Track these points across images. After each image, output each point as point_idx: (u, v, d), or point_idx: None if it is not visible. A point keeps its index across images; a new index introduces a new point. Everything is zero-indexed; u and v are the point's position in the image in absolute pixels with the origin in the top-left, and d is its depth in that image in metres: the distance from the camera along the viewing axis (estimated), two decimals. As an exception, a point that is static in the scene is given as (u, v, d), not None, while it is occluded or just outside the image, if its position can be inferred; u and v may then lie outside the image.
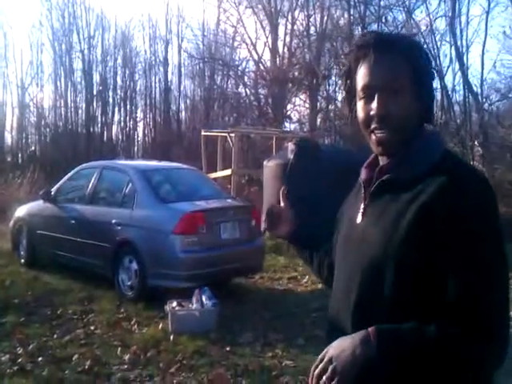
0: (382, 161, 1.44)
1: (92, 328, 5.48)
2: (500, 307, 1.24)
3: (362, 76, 1.39)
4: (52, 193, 7.89)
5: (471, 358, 1.22)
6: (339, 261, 1.53)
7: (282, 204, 1.84)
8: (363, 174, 1.50)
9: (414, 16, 17.37)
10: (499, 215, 1.30)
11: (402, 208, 1.31)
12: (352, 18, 19.65)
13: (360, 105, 1.40)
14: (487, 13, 15.16)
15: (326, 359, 1.25)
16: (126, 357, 4.69)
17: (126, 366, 4.53)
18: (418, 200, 1.28)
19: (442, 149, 1.39)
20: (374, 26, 20.06)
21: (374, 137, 1.39)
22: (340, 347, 1.25)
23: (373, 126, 1.38)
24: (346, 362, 1.22)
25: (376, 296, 1.33)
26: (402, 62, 1.35)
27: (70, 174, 8.06)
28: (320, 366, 1.26)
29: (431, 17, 16.14)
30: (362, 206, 1.45)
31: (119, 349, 4.87)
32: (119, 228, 6.53)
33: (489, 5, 15.49)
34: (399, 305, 1.29)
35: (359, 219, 1.45)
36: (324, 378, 1.23)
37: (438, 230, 1.24)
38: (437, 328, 1.22)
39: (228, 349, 4.89)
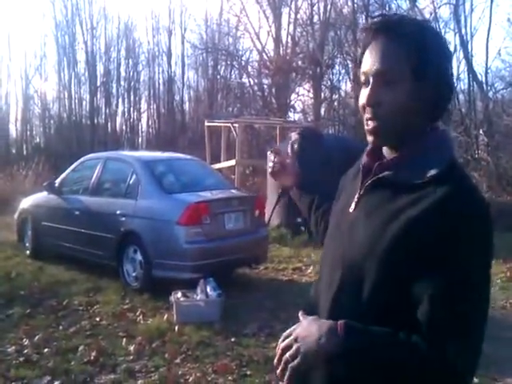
0: (386, 152, 1.38)
1: (97, 319, 5.50)
2: (471, 339, 1.18)
3: (363, 61, 1.33)
4: (56, 184, 7.91)
5: (429, 375, 1.18)
6: (328, 241, 1.49)
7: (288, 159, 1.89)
8: (363, 159, 1.43)
9: (417, 4, 17.21)
10: (492, 246, 1.23)
11: (393, 213, 1.26)
12: (356, 6, 19.53)
13: (361, 91, 1.35)
14: (492, 0, 15.03)
15: (292, 337, 1.26)
16: (132, 348, 4.70)
17: (131, 357, 4.54)
18: (411, 211, 1.22)
19: (448, 156, 1.29)
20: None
21: (365, 126, 1.34)
22: (307, 330, 1.25)
23: (365, 115, 1.32)
24: (309, 347, 1.23)
25: (353, 295, 1.29)
26: (404, 52, 1.26)
27: (73, 166, 8.06)
28: (286, 341, 1.27)
29: (435, 4, 16.02)
30: (357, 195, 1.40)
31: (124, 340, 4.89)
32: (123, 219, 6.53)
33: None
34: (376, 308, 1.26)
35: (352, 208, 1.40)
36: (287, 354, 1.25)
37: (422, 249, 1.19)
38: (405, 338, 1.20)
39: (233, 339, 4.90)
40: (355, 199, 1.39)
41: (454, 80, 1.30)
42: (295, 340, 1.25)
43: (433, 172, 1.25)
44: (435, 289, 1.18)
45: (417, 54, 1.26)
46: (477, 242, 1.20)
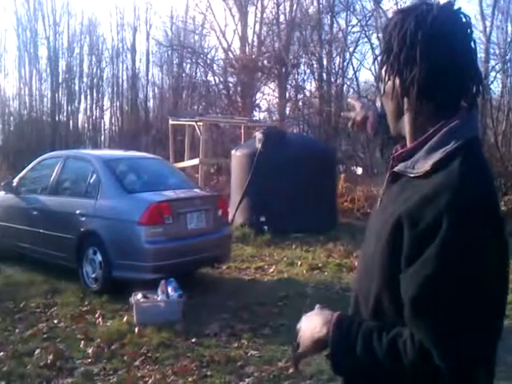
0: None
1: (55, 321, 5.39)
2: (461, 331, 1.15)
3: None
4: (14, 183, 7.72)
5: (415, 373, 1.19)
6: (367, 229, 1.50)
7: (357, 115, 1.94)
8: (394, 150, 1.43)
9: (381, 5, 17.47)
10: (481, 248, 1.16)
11: (397, 206, 1.26)
12: (321, 6, 19.66)
13: None
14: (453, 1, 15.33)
15: (297, 326, 1.40)
16: (90, 350, 4.62)
17: (89, 360, 4.47)
18: (404, 205, 1.23)
19: (450, 148, 1.24)
20: (343, 15, 20.16)
21: None
22: (309, 320, 1.37)
23: None
24: (306, 338, 1.35)
25: (367, 290, 1.33)
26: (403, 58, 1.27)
27: (32, 164, 7.88)
28: (297, 332, 1.40)
29: (399, 6, 16.23)
30: (382, 190, 1.43)
31: (82, 342, 4.80)
32: (83, 219, 6.42)
33: (454, -5, 15.66)
34: (381, 303, 1.28)
35: (378, 203, 1.43)
36: (294, 343, 1.40)
37: (404, 245, 1.19)
38: (393, 334, 1.21)
39: (194, 340, 4.86)
40: (381, 194, 1.43)
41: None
42: (299, 329, 1.39)
43: (427, 165, 1.25)
44: (406, 287, 1.19)
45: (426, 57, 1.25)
46: (452, 244, 1.14)
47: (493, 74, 16.45)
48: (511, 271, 1.26)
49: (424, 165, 1.25)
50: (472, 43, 1.27)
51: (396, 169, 1.34)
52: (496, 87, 17.33)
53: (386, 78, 1.32)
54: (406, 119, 1.33)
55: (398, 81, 1.29)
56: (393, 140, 1.76)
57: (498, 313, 1.21)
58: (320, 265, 7.59)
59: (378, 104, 15.78)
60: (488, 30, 16.08)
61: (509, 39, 17.11)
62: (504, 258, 1.21)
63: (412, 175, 1.28)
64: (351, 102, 2.06)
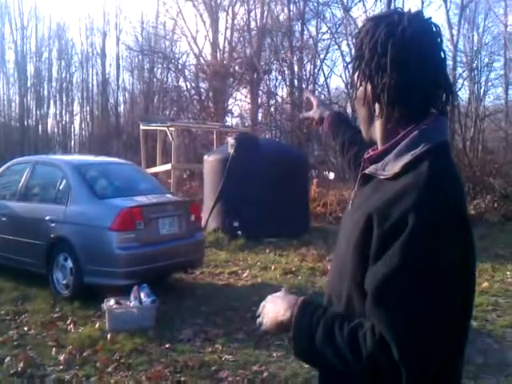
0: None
1: (25, 329, 5.28)
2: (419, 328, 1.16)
3: None
4: (-19, 189, 7.56)
5: (371, 364, 1.19)
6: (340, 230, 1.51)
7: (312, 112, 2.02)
8: (365, 153, 1.45)
9: (351, 13, 17.72)
10: (439, 255, 1.17)
11: (366, 207, 1.28)
12: (292, 13, 19.85)
13: None
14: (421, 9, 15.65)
15: (261, 304, 1.45)
16: (62, 357, 4.55)
17: (61, 367, 4.39)
18: (372, 205, 1.25)
19: (418, 152, 1.26)
20: (313, 22, 20.38)
21: None
22: (274, 302, 1.41)
23: None
24: (270, 319, 1.39)
25: (339, 290, 1.35)
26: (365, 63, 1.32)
27: (0, 170, 7.73)
28: (259, 309, 1.45)
29: (368, 14, 16.50)
30: (353, 192, 1.45)
31: (54, 349, 4.72)
32: (53, 225, 6.32)
33: (422, 3, 16.00)
34: (352, 303, 1.30)
35: (349, 205, 1.45)
36: (257, 320, 1.44)
37: (370, 245, 1.22)
38: (354, 324, 1.23)
39: (167, 346, 4.83)
40: (352, 196, 1.45)
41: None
42: (263, 307, 1.43)
43: (397, 167, 1.27)
44: (370, 280, 1.21)
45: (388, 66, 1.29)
46: (416, 240, 1.16)
47: (460, 81, 16.82)
48: (477, 274, 1.29)
49: (394, 167, 1.28)
50: (442, 52, 1.30)
51: (367, 171, 1.36)
52: (463, 94, 17.72)
53: (358, 84, 1.35)
54: (377, 124, 1.36)
55: (369, 87, 1.32)
56: (354, 143, 1.82)
57: (462, 311, 1.23)
58: (293, 269, 7.63)
59: (349, 110, 15.96)
60: (455, 38, 16.45)
61: (475, 48, 17.54)
62: (468, 259, 1.23)
63: (382, 177, 1.30)
64: (307, 96, 2.12)
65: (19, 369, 4.30)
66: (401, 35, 1.25)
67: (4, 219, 6.94)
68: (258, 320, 1.44)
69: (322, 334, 1.25)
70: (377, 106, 1.33)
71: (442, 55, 1.31)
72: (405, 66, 1.25)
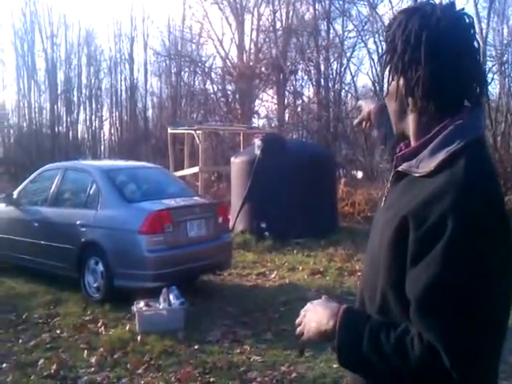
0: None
1: (58, 332, 5.40)
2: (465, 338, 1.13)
3: None
4: (14, 195, 7.75)
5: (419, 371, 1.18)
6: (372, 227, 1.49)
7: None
8: (398, 149, 1.44)
9: (377, 10, 17.54)
10: (486, 249, 1.15)
11: (402, 205, 1.26)
12: (317, 12, 19.76)
13: None
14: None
15: (302, 313, 1.42)
16: (93, 359, 4.63)
17: (92, 369, 4.48)
18: (408, 205, 1.22)
19: (453, 148, 1.23)
20: (339, 21, 20.26)
21: None
22: (315, 311, 1.38)
23: None
24: (312, 328, 1.37)
25: (373, 287, 1.33)
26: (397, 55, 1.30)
27: (32, 176, 7.91)
28: (299, 317, 1.43)
29: (394, 11, 16.30)
30: (386, 189, 1.43)
31: (86, 351, 4.81)
32: (84, 229, 6.44)
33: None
34: (387, 301, 1.29)
35: (382, 202, 1.43)
36: (297, 330, 1.42)
37: (408, 244, 1.20)
38: (400, 330, 1.21)
39: (196, 347, 4.88)
40: (385, 193, 1.43)
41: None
42: (304, 317, 1.41)
43: (432, 164, 1.24)
44: (412, 286, 1.18)
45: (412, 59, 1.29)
46: (458, 243, 1.14)
47: (490, 75, 16.50)
48: None
49: (429, 164, 1.25)
50: (475, 43, 1.28)
51: (400, 168, 1.34)
52: (494, 89, 17.37)
53: (390, 79, 1.33)
54: (411, 119, 1.34)
55: (402, 81, 1.30)
56: (396, 136, 1.80)
57: (506, 311, 1.21)
58: (321, 269, 7.60)
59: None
60: (484, 31, 16.13)
61: (505, 41, 17.18)
62: (510, 256, 1.19)
63: (417, 175, 1.28)
64: (360, 103, 2.10)
65: (52, 371, 4.40)
66: (435, 27, 1.24)
67: (36, 225, 7.10)
68: (299, 329, 1.41)
69: (368, 342, 1.22)
70: (410, 100, 1.30)
71: (476, 46, 1.28)
72: (439, 57, 1.24)
